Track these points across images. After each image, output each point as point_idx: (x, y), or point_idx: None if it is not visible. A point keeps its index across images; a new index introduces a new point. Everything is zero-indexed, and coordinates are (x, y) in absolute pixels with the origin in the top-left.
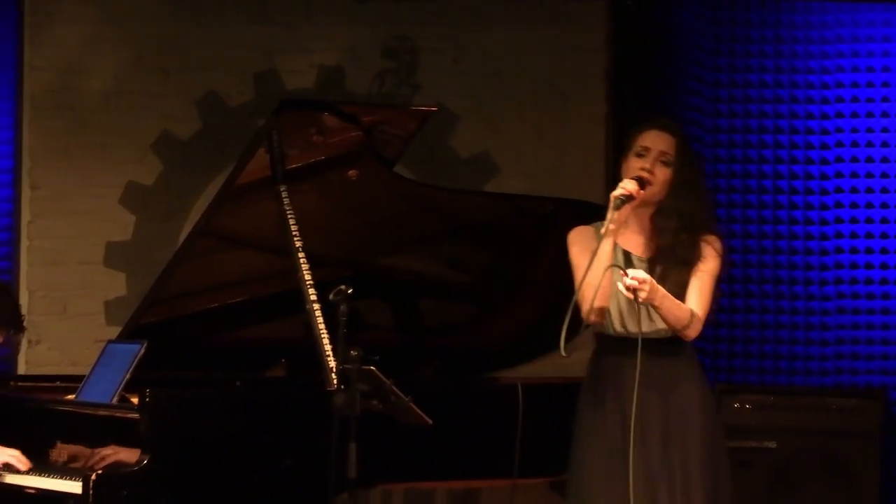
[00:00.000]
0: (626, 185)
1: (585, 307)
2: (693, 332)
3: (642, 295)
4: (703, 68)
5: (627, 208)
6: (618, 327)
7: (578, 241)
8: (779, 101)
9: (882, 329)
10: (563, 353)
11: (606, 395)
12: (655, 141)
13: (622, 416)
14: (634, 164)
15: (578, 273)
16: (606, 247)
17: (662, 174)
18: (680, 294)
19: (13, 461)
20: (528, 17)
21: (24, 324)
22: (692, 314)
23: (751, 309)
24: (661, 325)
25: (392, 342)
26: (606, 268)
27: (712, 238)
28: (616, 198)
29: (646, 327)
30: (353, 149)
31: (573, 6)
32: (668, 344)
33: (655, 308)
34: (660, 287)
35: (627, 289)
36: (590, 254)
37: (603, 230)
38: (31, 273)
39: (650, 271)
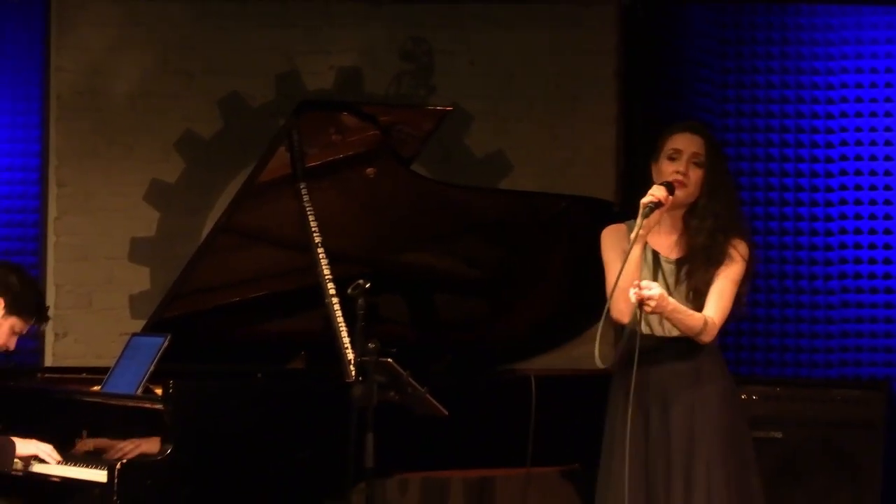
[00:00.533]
0: (656, 192)
1: (614, 309)
2: (707, 337)
3: (647, 309)
4: (711, 70)
5: (657, 214)
6: (641, 326)
7: (610, 241)
8: (785, 102)
9: (885, 322)
10: (598, 363)
11: (623, 388)
12: (687, 143)
13: (644, 412)
14: (667, 168)
15: (609, 273)
16: (636, 252)
17: (696, 175)
18: (704, 293)
19: (45, 456)
20: (540, 21)
21: (49, 314)
22: (705, 322)
23: (757, 303)
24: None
25: (408, 336)
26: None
27: (738, 242)
28: (645, 205)
29: (664, 328)
30: (371, 148)
31: (584, 11)
32: (690, 343)
33: (667, 318)
34: (671, 301)
35: (637, 299)
36: (621, 254)
37: (633, 235)
38: (58, 268)
39: (677, 271)
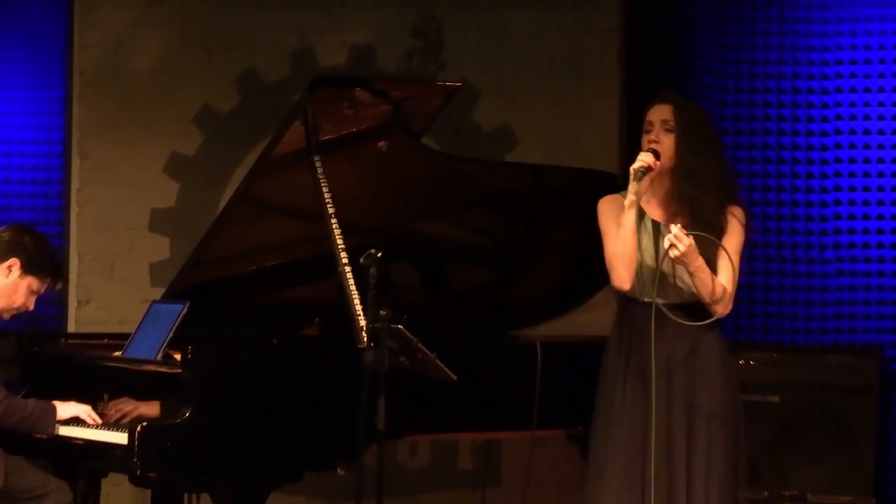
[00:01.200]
0: (643, 158)
1: (614, 275)
2: (723, 308)
3: (674, 252)
4: (712, 46)
5: (647, 179)
6: (642, 294)
7: (607, 211)
8: (782, 78)
9: (878, 291)
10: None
11: (631, 357)
12: (656, 113)
13: (643, 375)
14: (644, 140)
15: (607, 241)
16: (630, 217)
17: (668, 140)
18: (710, 259)
19: (86, 417)
20: (547, 0)
21: (64, 273)
22: (724, 290)
23: (755, 272)
24: (686, 294)
25: (419, 303)
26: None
27: (735, 208)
28: (636, 170)
29: (667, 296)
30: (383, 122)
31: None
32: (691, 311)
33: (691, 275)
34: (699, 257)
35: (669, 243)
36: (617, 222)
37: (626, 202)
38: (81, 238)
39: None
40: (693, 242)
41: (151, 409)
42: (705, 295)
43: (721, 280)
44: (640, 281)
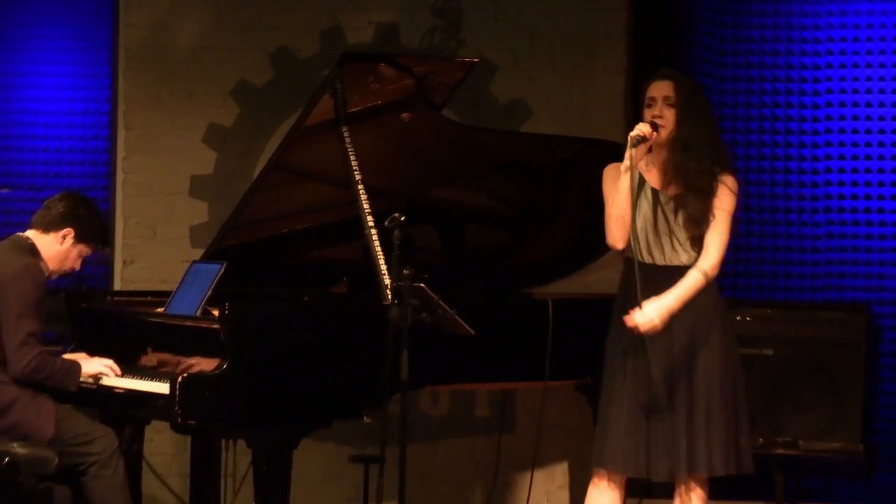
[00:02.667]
0: (641, 128)
1: (609, 235)
2: (713, 274)
3: (643, 330)
4: (712, 25)
5: (643, 147)
6: (644, 256)
7: (609, 177)
8: (776, 54)
9: (865, 252)
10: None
11: (628, 312)
12: (658, 89)
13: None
14: (647, 115)
15: (607, 204)
16: (625, 182)
17: (670, 114)
18: (699, 221)
19: (107, 371)
20: None
21: (111, 240)
22: (703, 274)
23: (751, 234)
24: (682, 257)
25: (439, 263)
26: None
27: (727, 177)
28: (632, 138)
29: (666, 258)
30: (407, 95)
31: None
32: (686, 272)
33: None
34: (665, 307)
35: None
36: (617, 187)
37: (623, 168)
38: (126, 202)
39: (675, 204)
40: (653, 319)
41: (191, 361)
42: (699, 295)
43: (710, 245)
44: (637, 242)
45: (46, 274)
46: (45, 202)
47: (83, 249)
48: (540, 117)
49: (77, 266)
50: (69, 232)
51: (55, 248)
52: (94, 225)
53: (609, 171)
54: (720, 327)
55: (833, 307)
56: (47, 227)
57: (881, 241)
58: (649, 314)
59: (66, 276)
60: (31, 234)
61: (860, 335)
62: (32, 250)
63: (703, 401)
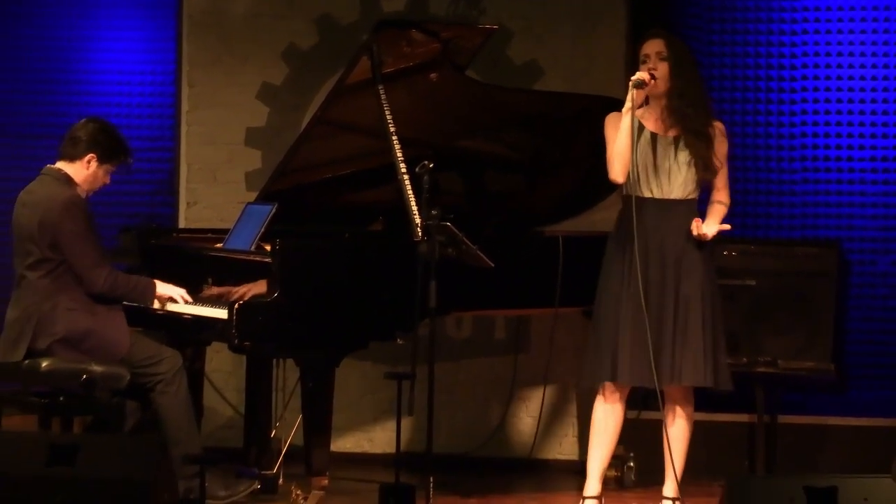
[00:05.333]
0: (640, 74)
1: (611, 170)
2: (728, 204)
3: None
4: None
5: (642, 93)
6: (642, 190)
7: (611, 122)
8: (759, 21)
9: (837, 195)
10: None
11: (627, 243)
12: (651, 46)
13: (641, 255)
14: (642, 69)
15: (609, 145)
16: (626, 121)
17: (663, 67)
18: (698, 161)
19: (178, 297)
20: None
21: (131, 149)
22: (726, 206)
23: (736, 179)
24: (676, 191)
25: (463, 205)
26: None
27: (718, 123)
28: (633, 81)
29: (663, 192)
30: (434, 57)
31: None
32: (680, 205)
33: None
34: (716, 226)
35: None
36: (617, 129)
37: (623, 109)
38: (190, 151)
39: (674, 146)
40: (712, 233)
41: (248, 289)
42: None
43: (720, 194)
44: (635, 178)
45: (84, 197)
46: (67, 133)
47: (109, 168)
48: (550, 77)
49: (108, 181)
50: (92, 157)
51: (83, 173)
52: (112, 143)
53: (611, 118)
54: (704, 257)
55: (808, 243)
56: (73, 157)
57: (850, 185)
58: (712, 228)
59: (137, 216)
60: (60, 164)
61: (832, 268)
62: (68, 180)
63: (684, 318)
